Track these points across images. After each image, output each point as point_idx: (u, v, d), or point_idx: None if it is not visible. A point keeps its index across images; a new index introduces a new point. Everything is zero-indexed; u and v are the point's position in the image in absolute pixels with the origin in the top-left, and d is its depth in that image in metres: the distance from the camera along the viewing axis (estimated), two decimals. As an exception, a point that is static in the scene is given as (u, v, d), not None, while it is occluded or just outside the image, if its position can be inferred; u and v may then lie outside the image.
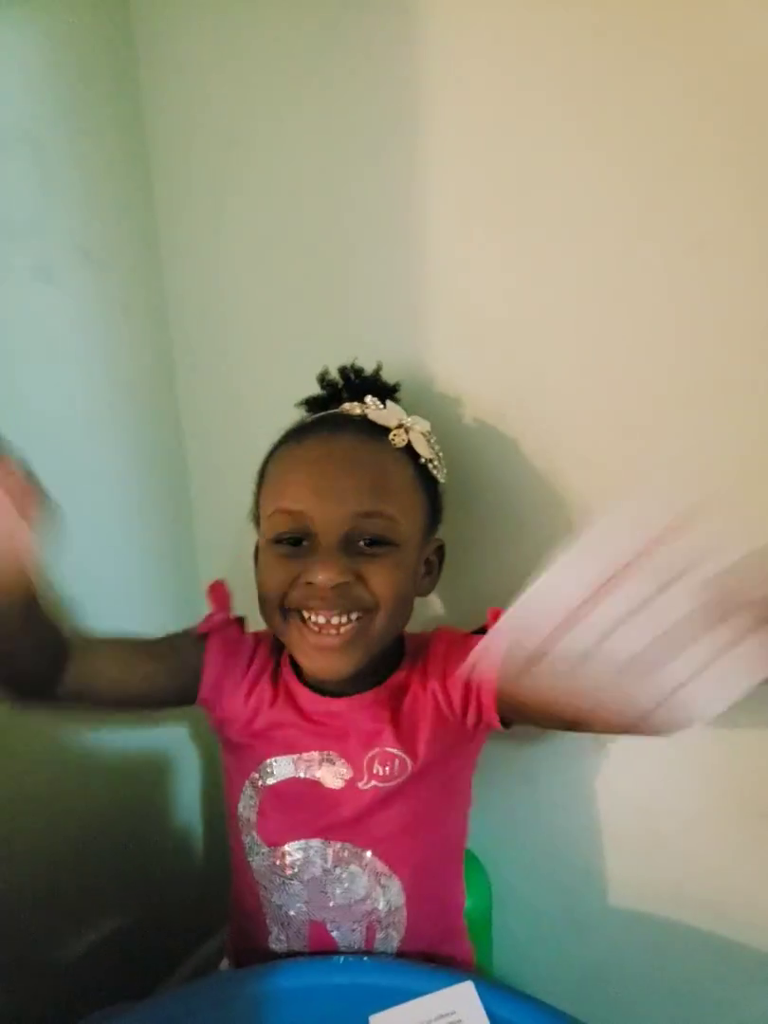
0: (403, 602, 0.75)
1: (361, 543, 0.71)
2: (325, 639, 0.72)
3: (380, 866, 0.79)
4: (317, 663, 0.74)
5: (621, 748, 0.87)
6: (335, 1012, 0.68)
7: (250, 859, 0.82)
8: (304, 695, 0.79)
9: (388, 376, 0.80)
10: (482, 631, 0.77)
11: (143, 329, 1.01)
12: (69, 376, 0.93)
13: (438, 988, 0.69)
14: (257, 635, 0.86)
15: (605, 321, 0.75)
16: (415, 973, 0.72)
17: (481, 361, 0.83)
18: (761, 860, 0.83)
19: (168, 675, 0.81)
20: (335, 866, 0.79)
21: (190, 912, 1.22)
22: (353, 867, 0.79)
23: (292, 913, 0.81)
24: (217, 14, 0.90)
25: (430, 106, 0.79)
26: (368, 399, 0.76)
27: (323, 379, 0.80)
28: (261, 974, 0.71)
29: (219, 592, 0.85)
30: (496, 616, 0.71)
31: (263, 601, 0.75)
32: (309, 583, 0.70)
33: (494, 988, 0.69)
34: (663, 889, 0.90)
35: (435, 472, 0.77)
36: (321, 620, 0.72)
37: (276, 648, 0.84)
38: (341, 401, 0.78)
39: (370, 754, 0.78)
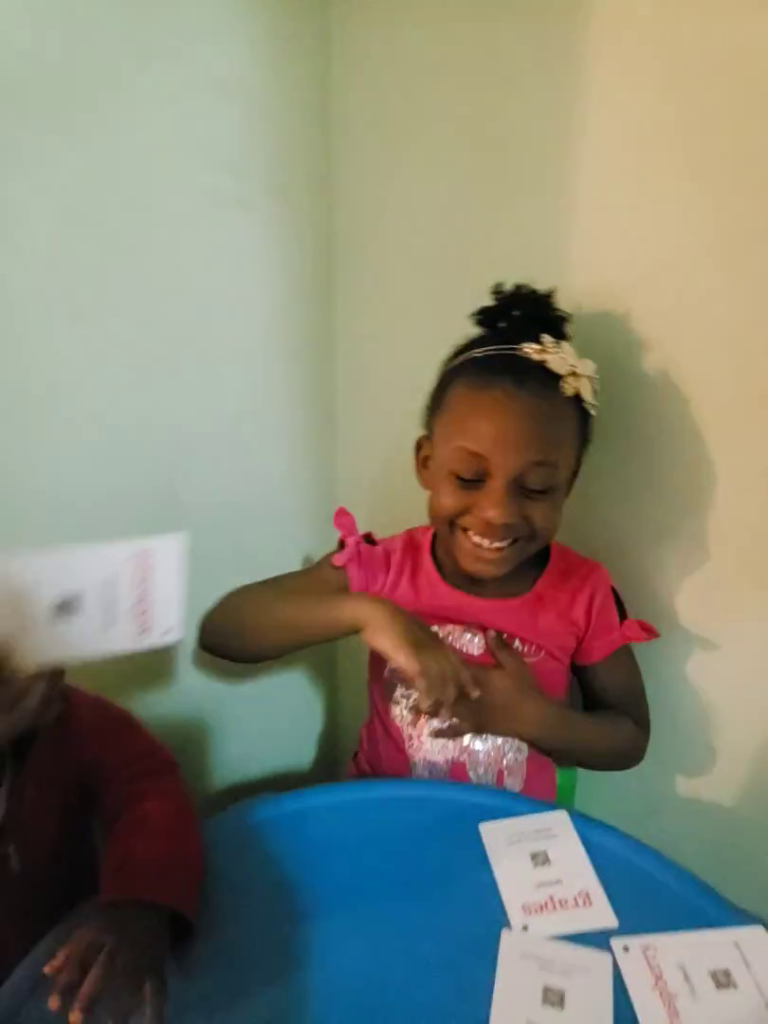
0: (555, 529, 0.89)
1: (526, 486, 0.83)
2: (485, 553, 0.87)
3: None
4: (474, 567, 0.89)
5: (699, 652, 0.99)
6: (450, 819, 0.83)
7: (395, 712, 0.98)
8: (448, 594, 0.95)
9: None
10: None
11: (313, 255, 1.16)
12: (251, 289, 1.09)
13: (539, 812, 0.83)
14: (386, 545, 1.01)
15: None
16: (522, 801, 0.87)
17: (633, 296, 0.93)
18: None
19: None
20: None
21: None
22: None
23: (438, 760, 0.96)
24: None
25: (593, 61, 0.89)
26: (545, 340, 0.82)
27: (498, 291, 0.87)
28: (392, 783, 0.89)
29: (343, 517, 1.00)
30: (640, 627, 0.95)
31: (435, 513, 0.89)
32: (481, 516, 0.84)
33: (585, 818, 0.83)
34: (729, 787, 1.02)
35: (592, 410, 0.86)
36: (485, 543, 0.86)
37: (408, 551, 0.99)
38: (511, 320, 0.86)
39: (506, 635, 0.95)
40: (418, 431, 0.94)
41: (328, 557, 1.00)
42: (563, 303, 0.89)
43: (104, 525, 0.96)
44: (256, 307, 1.11)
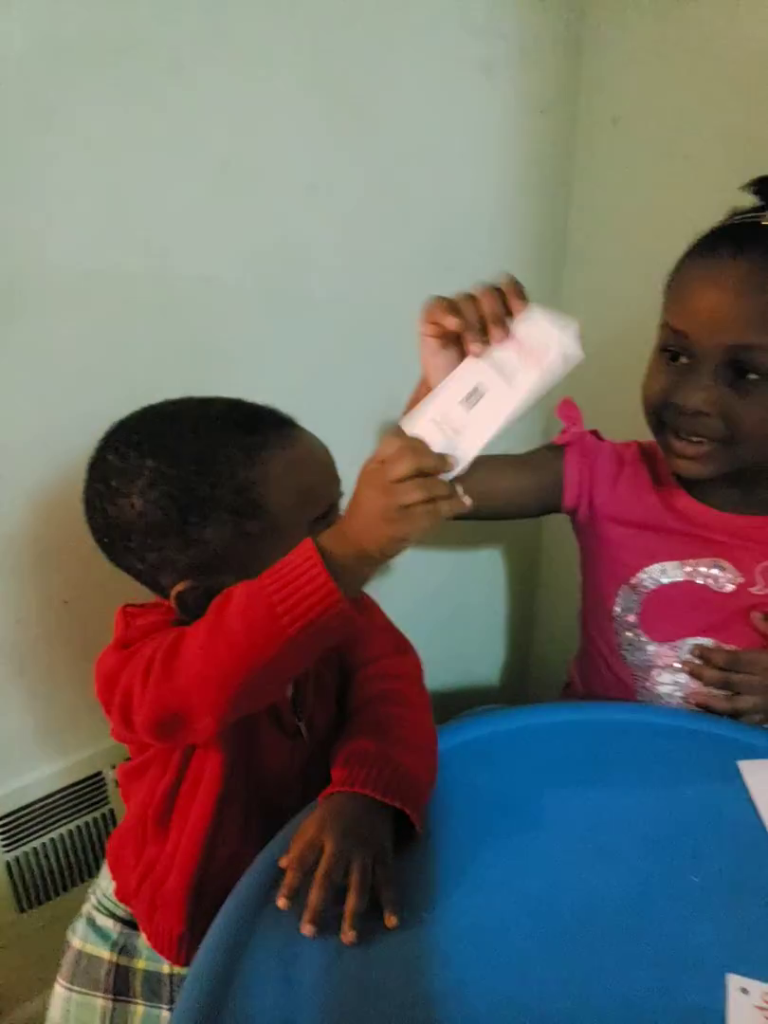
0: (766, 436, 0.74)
1: (737, 374, 0.71)
2: (686, 448, 0.76)
3: None
4: (676, 466, 0.78)
5: None
6: (705, 752, 0.74)
7: (624, 652, 0.89)
8: (695, 507, 0.83)
9: None
10: None
11: (553, 126, 1.05)
12: (486, 157, 1.01)
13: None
14: (617, 447, 0.90)
15: None
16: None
17: None
18: None
19: (533, 480, 0.90)
20: None
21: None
22: None
23: (665, 695, 0.87)
24: None
25: None
26: None
27: None
28: (640, 708, 0.81)
29: (569, 408, 0.90)
30: None
31: (643, 401, 0.79)
32: (674, 401, 0.73)
33: None
34: None
35: None
36: (680, 441, 0.76)
37: (647, 457, 0.88)
38: None
39: (764, 565, 0.81)
40: (645, 320, 0.81)
41: (546, 443, 0.92)
42: None
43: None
44: (490, 176, 1.02)
